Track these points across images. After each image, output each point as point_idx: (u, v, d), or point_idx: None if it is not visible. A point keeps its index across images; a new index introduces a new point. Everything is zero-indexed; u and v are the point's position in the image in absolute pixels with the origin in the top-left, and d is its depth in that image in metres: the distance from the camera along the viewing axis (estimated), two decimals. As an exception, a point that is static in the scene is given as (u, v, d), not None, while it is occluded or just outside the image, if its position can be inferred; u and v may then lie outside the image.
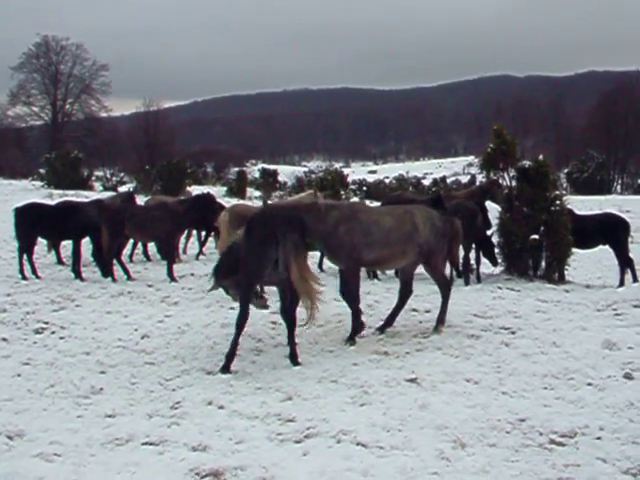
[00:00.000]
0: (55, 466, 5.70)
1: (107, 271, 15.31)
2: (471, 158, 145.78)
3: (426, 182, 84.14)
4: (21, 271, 15.40)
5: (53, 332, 10.56)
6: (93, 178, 54.20)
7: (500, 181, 17.25)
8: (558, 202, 15.80)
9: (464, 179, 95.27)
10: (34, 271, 15.62)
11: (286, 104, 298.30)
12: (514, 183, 16.55)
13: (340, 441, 6.18)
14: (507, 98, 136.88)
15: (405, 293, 10.89)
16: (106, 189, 48.48)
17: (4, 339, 10.06)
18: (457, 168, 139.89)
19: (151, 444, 6.17)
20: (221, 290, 9.78)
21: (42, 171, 51.38)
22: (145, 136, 72.80)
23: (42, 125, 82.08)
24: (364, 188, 64.16)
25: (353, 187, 61.05)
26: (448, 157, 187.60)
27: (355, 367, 8.56)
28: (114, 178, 57.18)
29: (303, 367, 8.61)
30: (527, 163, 16.52)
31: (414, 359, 8.93)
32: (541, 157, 16.54)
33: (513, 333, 10.24)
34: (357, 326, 10.10)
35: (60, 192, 37.70)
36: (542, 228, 15.70)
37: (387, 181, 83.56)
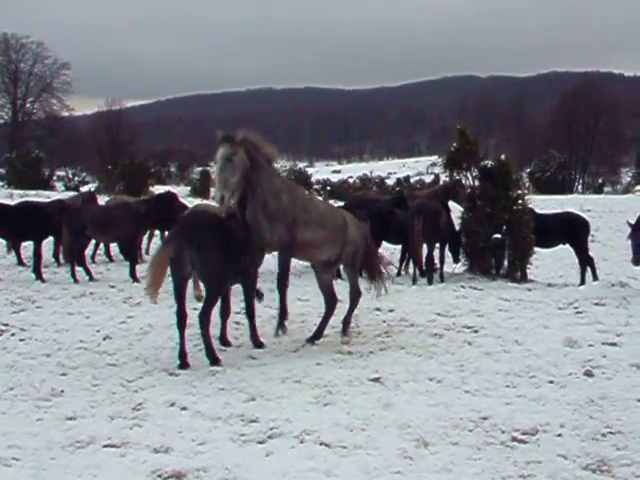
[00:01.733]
0: (14, 470, 5.59)
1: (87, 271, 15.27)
2: (435, 158, 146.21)
3: (390, 182, 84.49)
4: (-21, 272, 15.18)
5: (13, 334, 10.42)
6: (54, 178, 53.85)
7: (463, 180, 17.36)
8: (520, 201, 15.97)
9: (428, 179, 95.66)
10: (-7, 272, 15.41)
11: (250, 104, 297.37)
12: (477, 182, 16.70)
13: (303, 441, 6.14)
14: (470, 98, 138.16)
15: (331, 303, 10.46)
16: (68, 189, 48.05)
17: (-38, 342, 9.90)
18: (421, 168, 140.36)
19: (113, 446, 6.08)
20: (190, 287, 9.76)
21: (2, 171, 50.77)
22: (107, 135, 72.25)
23: (2, 124, 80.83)
24: (328, 188, 64.21)
25: (317, 187, 61.10)
26: (412, 157, 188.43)
27: (319, 367, 8.55)
28: (76, 178, 56.68)
29: (266, 367, 8.57)
30: (489, 162, 16.67)
31: (378, 358, 8.95)
32: (503, 156, 16.70)
33: (476, 332, 10.30)
34: (281, 314, 9.76)
35: (21, 192, 37.27)
36: (504, 227, 15.84)
37: (351, 181, 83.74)
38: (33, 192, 37.78)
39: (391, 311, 11.89)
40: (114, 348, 9.55)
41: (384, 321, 11.16)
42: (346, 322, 10.35)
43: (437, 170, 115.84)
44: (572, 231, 16.33)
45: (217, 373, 8.38)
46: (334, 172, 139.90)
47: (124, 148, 68.62)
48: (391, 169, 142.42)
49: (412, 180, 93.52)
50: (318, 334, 10.09)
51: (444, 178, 74.86)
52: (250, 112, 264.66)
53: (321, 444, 6.09)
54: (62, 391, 7.67)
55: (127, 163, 48.21)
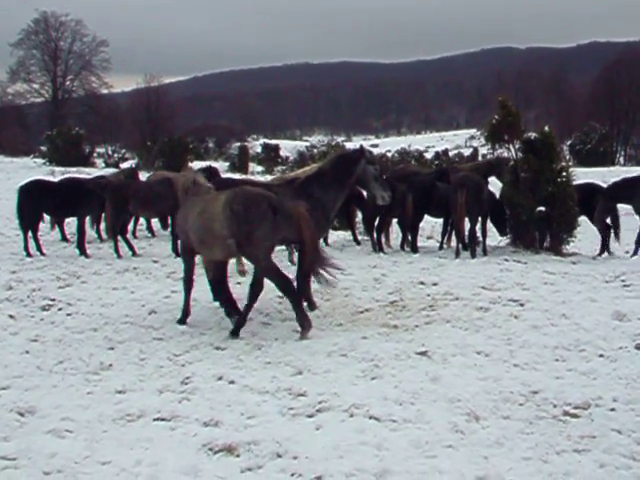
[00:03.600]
0: (68, 442, 5.67)
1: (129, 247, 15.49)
2: (473, 131, 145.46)
3: (428, 155, 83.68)
4: (26, 248, 15.35)
5: (60, 309, 10.53)
6: (95, 155, 54.13)
7: (505, 153, 17.12)
8: (564, 174, 15.70)
9: (466, 152, 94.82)
10: (39, 248, 15.59)
11: (287, 78, 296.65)
12: (519, 155, 16.45)
13: (353, 415, 6.12)
14: (509, 70, 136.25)
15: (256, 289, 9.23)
16: (108, 165, 48.36)
17: (11, 316, 10.03)
18: (459, 141, 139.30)
19: (163, 420, 6.13)
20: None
21: (43, 148, 51.27)
22: (146, 112, 72.52)
23: (42, 102, 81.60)
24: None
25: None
26: (450, 130, 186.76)
27: (365, 341, 8.51)
28: (116, 155, 56.94)
29: (312, 341, 8.56)
30: (533, 135, 16.39)
31: (423, 332, 8.89)
32: (547, 128, 16.40)
33: (522, 305, 10.17)
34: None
35: (62, 169, 37.59)
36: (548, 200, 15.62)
37: (389, 155, 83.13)
38: (74, 169, 38.09)
39: (435, 285, 11.80)
40: (160, 322, 9.62)
41: (428, 294, 11.07)
42: (301, 326, 9.09)
43: (475, 143, 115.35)
44: (590, 202, 15.96)
45: (263, 347, 8.41)
46: (372, 146, 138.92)
47: (162, 124, 68.85)
48: (429, 143, 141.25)
49: (451, 153, 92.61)
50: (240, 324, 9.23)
51: (483, 151, 73.82)
52: (287, 87, 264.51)
53: (370, 418, 6.06)
54: (110, 365, 7.75)
55: (166, 139, 48.34)
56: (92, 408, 6.38)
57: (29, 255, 15.22)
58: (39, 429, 5.92)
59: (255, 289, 9.02)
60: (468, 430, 5.77)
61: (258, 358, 7.95)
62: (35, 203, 15.66)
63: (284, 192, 10.36)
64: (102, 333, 9.16)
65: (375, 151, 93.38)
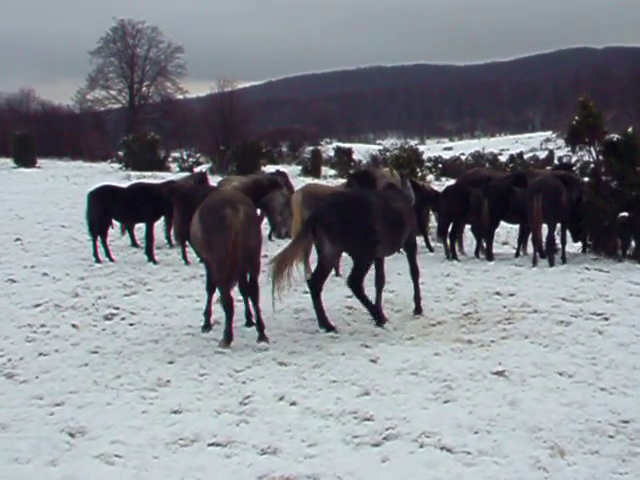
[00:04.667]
0: (116, 469, 5.31)
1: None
2: (549, 133, 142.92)
3: (503, 158, 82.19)
4: (95, 254, 15.31)
5: (123, 318, 10.31)
6: (170, 159, 54.66)
7: (586, 156, 16.36)
8: (650, 177, 14.86)
9: (542, 155, 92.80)
10: (108, 254, 15.53)
11: (360, 82, 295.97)
12: (601, 157, 15.68)
13: (423, 445, 5.61)
14: (585, 71, 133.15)
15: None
16: (182, 170, 48.68)
17: (74, 325, 9.85)
18: (534, 144, 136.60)
19: (218, 445, 5.71)
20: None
21: (120, 153, 52.11)
22: (220, 117, 73.08)
23: (120, 108, 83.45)
24: (440, 165, 62.96)
25: (428, 164, 59.95)
26: (525, 133, 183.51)
27: (437, 357, 8.00)
28: (190, 159, 57.36)
29: (380, 357, 8.07)
30: (615, 136, 15.57)
31: (500, 348, 8.32)
32: (630, 130, 15.58)
33: (606, 319, 9.51)
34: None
35: (138, 173, 38.10)
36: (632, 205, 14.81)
37: (463, 158, 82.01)
38: (149, 173, 38.54)
39: (512, 295, 11.19)
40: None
41: (504, 306, 10.47)
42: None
43: (551, 146, 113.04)
44: None
45: (328, 362, 7.95)
46: (445, 149, 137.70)
47: (236, 129, 69.21)
48: (503, 145, 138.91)
49: (525, 156, 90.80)
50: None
51: (559, 154, 72.01)
52: (360, 90, 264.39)
53: (442, 449, 5.53)
54: (168, 381, 7.39)
55: (239, 144, 48.48)
56: (145, 430, 6.03)
57: (98, 261, 15.16)
58: (88, 452, 5.59)
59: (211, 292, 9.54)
60: (552, 467, 5.18)
61: (323, 376, 7.49)
62: (104, 209, 15.62)
63: None
64: (163, 345, 8.86)
65: (449, 154, 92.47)
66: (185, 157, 57.90)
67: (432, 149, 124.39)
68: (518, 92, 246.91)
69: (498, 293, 11.30)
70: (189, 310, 10.68)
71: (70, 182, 33.92)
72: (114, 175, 38.02)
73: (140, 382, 7.36)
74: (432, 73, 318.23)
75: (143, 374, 7.61)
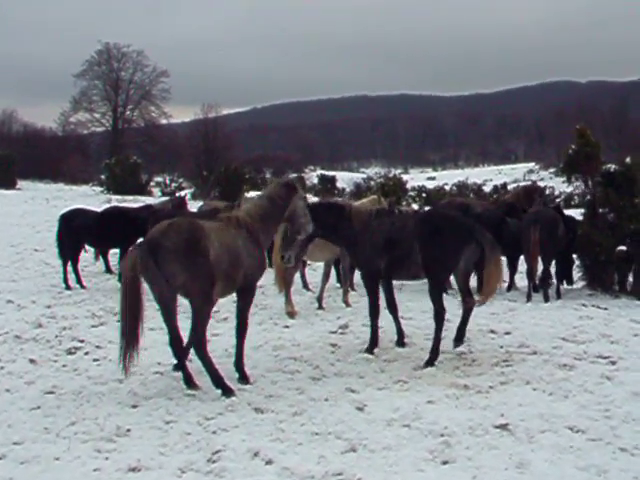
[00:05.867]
0: None
1: None
2: (532, 165, 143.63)
3: (487, 189, 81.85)
4: (65, 280, 14.63)
5: (87, 353, 9.49)
6: (152, 183, 54.05)
7: (582, 186, 15.72)
8: (648, 210, 14.19)
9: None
10: (79, 280, 14.77)
11: (344, 111, 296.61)
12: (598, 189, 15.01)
13: (421, 524, 4.77)
14: (569, 104, 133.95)
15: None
16: (164, 195, 47.96)
17: (32, 361, 9.03)
18: (517, 175, 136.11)
19: (178, 518, 4.87)
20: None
21: (102, 177, 51.48)
22: (204, 142, 72.62)
23: (103, 131, 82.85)
24: (423, 194, 62.52)
25: (412, 193, 59.48)
26: (508, 164, 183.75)
27: (431, 406, 7.16)
28: (173, 184, 56.68)
29: (368, 404, 7.23)
30: (612, 167, 14.93)
31: (500, 396, 7.50)
32: (628, 160, 14.96)
33: (613, 363, 8.74)
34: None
35: (119, 197, 37.36)
36: (629, 239, 14.15)
37: (447, 187, 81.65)
38: (131, 197, 37.77)
39: (507, 334, 10.43)
40: (195, 373, 8.37)
41: (501, 346, 9.69)
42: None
43: (534, 177, 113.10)
44: None
45: (310, 409, 7.10)
46: (429, 179, 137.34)
47: (220, 154, 68.67)
48: (487, 176, 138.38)
49: (509, 187, 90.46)
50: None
51: (541, 185, 72.58)
52: (345, 119, 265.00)
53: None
54: (129, 430, 6.50)
55: (222, 169, 47.89)
56: (93, 496, 5.16)
57: (68, 288, 14.48)
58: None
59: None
60: None
61: (303, 426, 6.61)
62: (75, 233, 14.88)
63: None
64: (127, 385, 8.00)
65: (433, 183, 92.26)
66: (168, 182, 57.33)
67: (416, 178, 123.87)
68: (501, 123, 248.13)
69: (493, 331, 10.53)
70: (159, 344, 9.79)
71: (50, 205, 33.03)
72: (95, 198, 37.25)
73: (97, 431, 6.48)
74: (416, 103, 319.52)
75: (101, 421, 6.73)
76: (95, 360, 9.10)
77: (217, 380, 7.83)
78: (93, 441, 6.24)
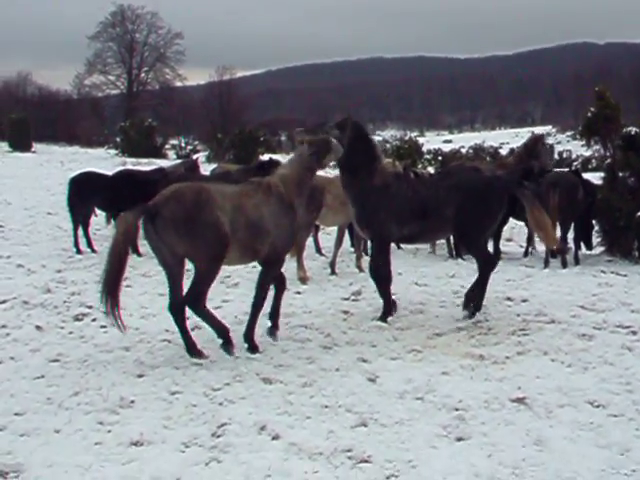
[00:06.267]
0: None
1: None
2: (549, 128, 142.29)
3: (503, 152, 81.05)
4: (76, 244, 14.48)
5: (94, 319, 9.24)
6: (167, 146, 53.85)
7: (602, 150, 15.28)
8: (671, 174, 13.78)
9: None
10: (90, 244, 14.60)
11: (360, 73, 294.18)
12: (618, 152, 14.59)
13: (434, 504, 4.52)
14: (587, 66, 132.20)
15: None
16: (179, 157, 47.78)
17: (38, 327, 8.81)
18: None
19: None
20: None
21: (118, 139, 51.38)
22: (218, 105, 72.34)
23: (118, 94, 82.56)
24: (439, 158, 61.90)
25: (428, 157, 58.90)
26: (525, 127, 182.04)
27: (445, 377, 6.90)
28: (188, 146, 56.46)
29: (380, 375, 7.00)
30: (634, 129, 14.48)
31: (517, 367, 7.23)
32: (648, 123, 14.48)
33: (634, 334, 8.42)
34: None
35: (134, 160, 37.13)
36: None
37: (463, 151, 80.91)
38: (145, 160, 37.59)
39: (524, 301, 10.14)
40: (202, 341, 8.16)
41: (518, 314, 9.39)
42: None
43: (551, 140, 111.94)
44: None
45: (320, 380, 6.86)
46: (445, 142, 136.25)
47: (234, 117, 68.39)
48: (503, 139, 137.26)
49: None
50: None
51: (559, 149, 71.31)
52: (360, 81, 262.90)
53: (459, 512, 4.43)
54: (133, 401, 6.29)
55: (236, 132, 47.58)
56: (92, 471, 4.93)
57: (79, 252, 14.33)
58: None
59: None
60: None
61: (313, 398, 6.37)
62: (86, 196, 14.68)
63: None
64: (134, 353, 7.81)
65: (449, 147, 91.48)
66: (183, 144, 57.15)
67: (432, 141, 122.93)
68: (518, 86, 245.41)
69: (509, 298, 10.25)
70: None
71: (65, 168, 32.80)
72: (110, 161, 37.13)
73: (100, 402, 6.26)
74: (432, 65, 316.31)
75: (105, 391, 6.51)
76: (102, 327, 8.87)
77: (222, 332, 7.69)
78: (96, 412, 6.03)
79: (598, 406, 6.15)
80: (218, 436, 5.55)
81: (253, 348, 7.93)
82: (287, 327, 8.75)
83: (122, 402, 6.25)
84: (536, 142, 15.95)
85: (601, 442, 5.38)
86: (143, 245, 14.19)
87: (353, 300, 10.34)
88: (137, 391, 6.56)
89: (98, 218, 16.72)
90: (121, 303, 7.46)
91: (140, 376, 7.05)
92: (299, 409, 6.11)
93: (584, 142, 15.87)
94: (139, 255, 13.87)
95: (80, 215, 14.75)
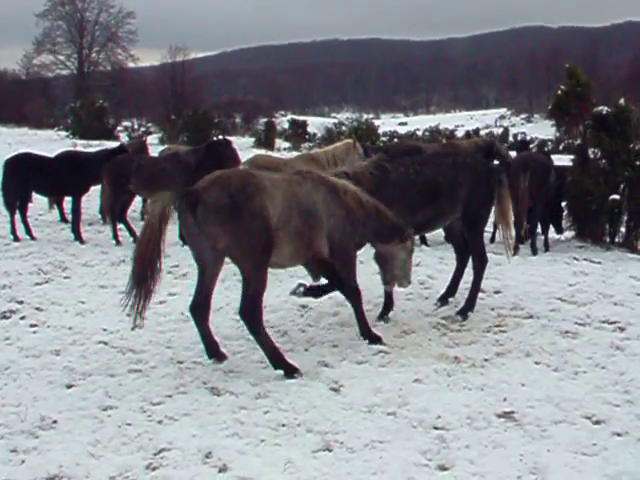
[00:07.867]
0: None
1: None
2: (503, 110, 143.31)
3: (459, 134, 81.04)
4: (13, 231, 13.30)
5: (23, 317, 8.28)
6: (119, 128, 52.43)
7: (573, 130, 14.58)
8: (645, 156, 13.15)
9: (497, 131, 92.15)
10: (28, 231, 13.49)
11: (315, 55, 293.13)
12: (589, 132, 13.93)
13: None
14: (541, 49, 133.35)
15: None
16: (132, 139, 46.58)
17: (-44, 327, 7.79)
18: (489, 120, 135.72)
19: None
20: None
21: (68, 121, 49.93)
22: (172, 86, 71.12)
23: (68, 74, 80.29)
24: (395, 140, 61.43)
25: (384, 139, 58.39)
26: (479, 109, 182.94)
27: (418, 386, 6.03)
28: (141, 128, 55.17)
29: (345, 384, 6.10)
30: (605, 108, 13.80)
31: (498, 372, 6.42)
32: (622, 101, 13.81)
33: (622, 330, 7.70)
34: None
35: (84, 142, 35.81)
36: (623, 186, 13.14)
37: (419, 133, 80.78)
38: (97, 142, 36.29)
39: (497, 293, 9.37)
40: (143, 342, 7.27)
41: (492, 308, 8.61)
42: None
43: (506, 123, 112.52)
44: None
45: (276, 389, 5.98)
46: (400, 124, 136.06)
47: (188, 99, 67.18)
48: (459, 122, 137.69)
49: (482, 133, 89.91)
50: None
51: (513, 131, 71.80)
52: (316, 63, 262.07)
53: None
54: (55, 422, 5.33)
55: (190, 114, 46.52)
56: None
57: (16, 239, 13.18)
58: None
59: None
60: None
61: (267, 414, 5.47)
62: (22, 180, 13.50)
63: None
64: (64, 358, 6.86)
65: (404, 129, 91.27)
66: (136, 126, 55.91)
67: (387, 124, 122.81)
68: (473, 69, 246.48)
69: (482, 290, 9.45)
70: (107, 306, 8.68)
71: (12, 149, 31.28)
72: (60, 143, 35.70)
73: (16, 422, 5.29)
74: (387, 47, 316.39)
75: (24, 408, 5.54)
76: (32, 326, 7.94)
77: (279, 362, 6.52)
78: (10, 436, 5.06)
79: (598, 422, 5.34)
80: (154, 468, 4.61)
81: (374, 339, 7.29)
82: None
83: (43, 423, 5.30)
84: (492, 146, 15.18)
85: (609, 471, 4.55)
86: (87, 231, 13.30)
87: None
88: (63, 407, 5.60)
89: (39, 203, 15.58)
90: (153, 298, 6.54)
91: (69, 386, 6.11)
92: (251, 430, 5.18)
93: (554, 122, 15.15)
94: (82, 242, 12.94)
95: (16, 200, 13.61)
